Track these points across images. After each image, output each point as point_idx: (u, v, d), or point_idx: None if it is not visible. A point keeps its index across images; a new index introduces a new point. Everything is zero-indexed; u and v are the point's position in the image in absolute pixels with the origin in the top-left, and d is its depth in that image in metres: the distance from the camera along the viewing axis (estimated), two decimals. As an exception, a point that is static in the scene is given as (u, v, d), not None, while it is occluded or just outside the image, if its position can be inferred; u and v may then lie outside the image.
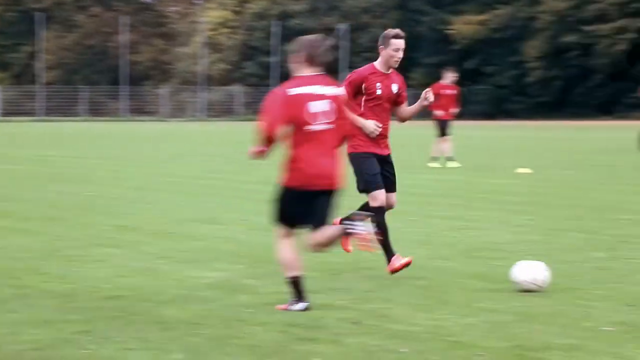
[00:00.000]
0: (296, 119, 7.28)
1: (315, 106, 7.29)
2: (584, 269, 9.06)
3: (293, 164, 7.37)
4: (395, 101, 8.98)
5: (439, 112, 23.79)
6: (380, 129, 8.74)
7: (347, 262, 9.52)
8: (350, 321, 6.92)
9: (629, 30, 77.99)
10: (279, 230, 7.47)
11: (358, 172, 8.79)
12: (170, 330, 6.66)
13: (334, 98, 7.37)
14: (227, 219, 13.06)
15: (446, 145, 24.00)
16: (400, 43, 8.80)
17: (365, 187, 8.77)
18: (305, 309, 7.26)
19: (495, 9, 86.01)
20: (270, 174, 21.73)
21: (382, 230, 8.65)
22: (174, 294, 7.94)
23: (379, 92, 8.80)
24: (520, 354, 6.01)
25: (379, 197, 8.75)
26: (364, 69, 8.89)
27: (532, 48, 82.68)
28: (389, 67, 8.87)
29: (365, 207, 8.82)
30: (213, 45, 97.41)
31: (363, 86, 8.76)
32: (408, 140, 41.39)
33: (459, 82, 24.03)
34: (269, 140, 7.31)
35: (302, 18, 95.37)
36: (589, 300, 7.63)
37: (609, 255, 9.88)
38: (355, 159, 8.79)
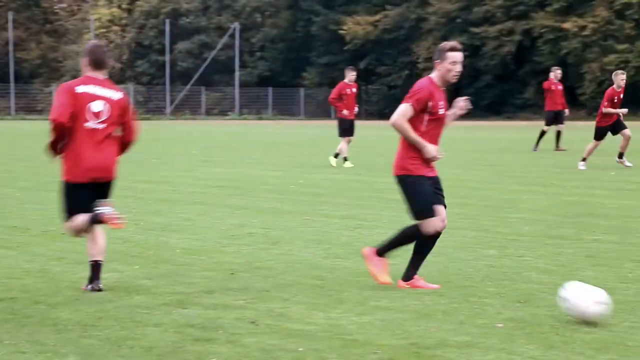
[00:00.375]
0: (78, 115, 8.00)
1: (96, 106, 8.06)
2: (476, 266, 9.23)
3: (71, 159, 8.07)
4: None
5: (345, 112, 23.91)
6: (441, 156, 8.24)
7: (243, 262, 9.51)
8: (247, 321, 6.92)
9: (515, 32, 79.68)
10: (72, 222, 8.14)
11: (413, 198, 8.27)
12: (64, 332, 6.56)
13: (113, 101, 8.16)
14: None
15: (344, 145, 24.08)
16: (458, 56, 8.22)
17: (421, 214, 8.24)
18: (93, 289, 7.96)
19: (386, 10, 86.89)
20: (167, 174, 21.53)
21: (425, 251, 8.36)
22: (68, 295, 7.83)
23: (441, 111, 8.26)
24: (416, 352, 6.08)
25: (435, 225, 8.23)
26: (428, 85, 8.24)
27: (423, 49, 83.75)
28: (446, 82, 8.29)
29: (403, 238, 8.43)
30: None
31: (429, 104, 8.17)
32: (304, 139, 41.53)
33: (355, 82, 24.22)
34: (59, 131, 7.99)
35: (193, 16, 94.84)
36: (482, 297, 7.78)
37: (501, 253, 10.08)
38: (409, 184, 8.27)
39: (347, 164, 23.40)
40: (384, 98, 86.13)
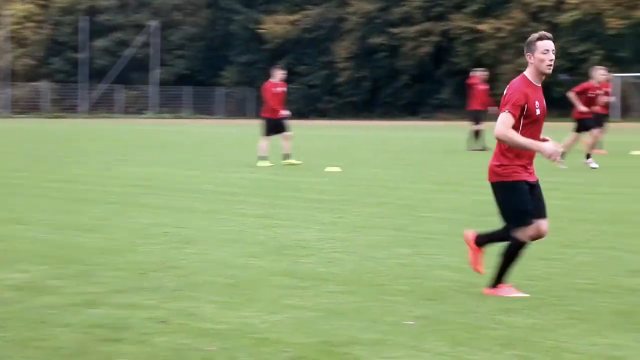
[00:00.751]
0: None
1: None
2: (388, 265, 9.28)
3: None
4: None
5: (287, 112, 23.97)
6: (562, 151, 7.74)
7: (155, 261, 9.43)
8: (158, 320, 6.86)
9: (433, 33, 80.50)
10: None
11: (510, 205, 7.72)
12: (-31, 334, 6.43)
13: None
14: (32, 218, 12.72)
15: (287, 143, 24.12)
16: (549, 44, 7.63)
17: (519, 222, 7.71)
18: None
19: (306, 10, 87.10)
20: (81, 172, 21.23)
21: (512, 259, 7.87)
22: (-26, 296, 7.68)
23: (538, 112, 7.65)
24: (327, 350, 6.10)
25: (529, 234, 7.72)
26: (522, 85, 7.63)
27: (342, 48, 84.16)
28: (542, 76, 7.70)
29: (497, 236, 8.06)
30: (17, 40, 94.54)
31: (525, 107, 7.58)
32: (222, 138, 41.38)
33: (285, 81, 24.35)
34: None
35: (111, 14, 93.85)
36: (393, 295, 7.83)
37: (413, 251, 10.15)
38: (507, 189, 7.70)
39: (265, 163, 23.38)
40: (304, 97, 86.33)
